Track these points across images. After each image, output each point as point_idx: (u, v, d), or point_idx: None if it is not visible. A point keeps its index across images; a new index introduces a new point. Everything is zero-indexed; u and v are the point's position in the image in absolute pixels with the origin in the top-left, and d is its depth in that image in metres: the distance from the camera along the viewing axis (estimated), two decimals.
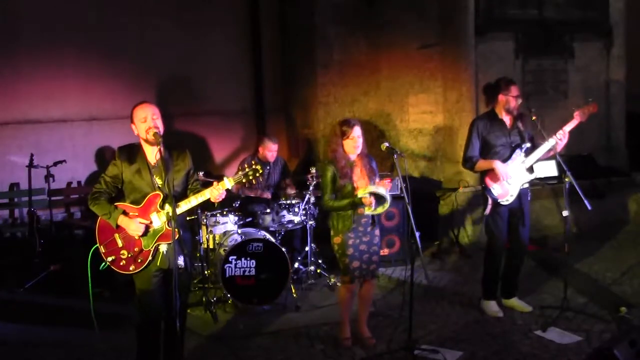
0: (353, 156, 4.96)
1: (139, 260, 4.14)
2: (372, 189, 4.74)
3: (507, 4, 8.46)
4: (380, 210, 4.84)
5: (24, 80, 8.10)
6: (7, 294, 6.36)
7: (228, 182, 4.14)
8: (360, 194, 4.76)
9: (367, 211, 4.85)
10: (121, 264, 4.16)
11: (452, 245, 7.81)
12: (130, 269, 4.15)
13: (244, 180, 4.21)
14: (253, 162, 4.25)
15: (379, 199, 4.76)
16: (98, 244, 4.20)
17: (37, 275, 6.57)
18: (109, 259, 4.16)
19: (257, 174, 4.18)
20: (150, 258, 4.15)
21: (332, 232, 5.00)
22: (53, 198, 7.64)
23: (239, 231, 6.24)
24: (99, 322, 4.42)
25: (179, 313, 4.00)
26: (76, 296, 6.03)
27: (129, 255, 4.14)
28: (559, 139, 5.36)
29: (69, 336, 5.40)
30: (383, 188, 4.75)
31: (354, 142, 4.91)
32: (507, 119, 5.54)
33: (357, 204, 4.80)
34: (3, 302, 6.16)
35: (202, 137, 9.11)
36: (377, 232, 5.07)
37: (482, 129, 5.53)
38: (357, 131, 4.92)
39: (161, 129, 4.14)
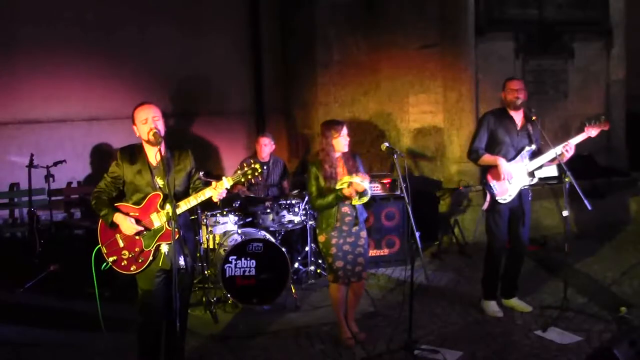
0: (337, 155, 5.04)
1: (140, 261, 4.15)
2: (348, 178, 4.85)
3: (507, 4, 8.47)
4: (364, 199, 4.93)
5: (24, 80, 8.10)
6: (7, 294, 6.35)
7: (227, 182, 4.14)
8: (338, 185, 4.88)
9: (354, 202, 4.94)
10: (122, 264, 4.17)
11: (452, 245, 7.82)
12: (132, 269, 4.16)
13: (242, 180, 4.21)
14: (252, 162, 4.24)
15: (359, 191, 4.89)
16: (100, 244, 4.21)
17: (37, 275, 6.57)
18: (111, 259, 4.18)
19: (256, 173, 4.17)
20: (151, 258, 4.15)
21: (317, 231, 5.12)
22: (53, 198, 7.64)
23: (239, 231, 6.24)
24: (99, 322, 4.42)
25: (180, 313, 4.00)
26: (76, 296, 6.03)
27: (130, 256, 4.15)
28: (565, 151, 5.37)
29: (69, 336, 5.40)
30: (360, 178, 4.84)
31: (345, 140, 5.02)
32: (517, 118, 5.53)
33: (340, 197, 4.89)
34: (3, 302, 6.16)
35: (202, 137, 9.11)
36: (362, 233, 5.12)
37: (492, 123, 5.53)
38: (345, 130, 5.05)
39: (162, 130, 4.14)
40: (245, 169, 4.16)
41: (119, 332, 5.03)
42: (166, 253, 4.17)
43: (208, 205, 4.77)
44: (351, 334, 5.14)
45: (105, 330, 4.45)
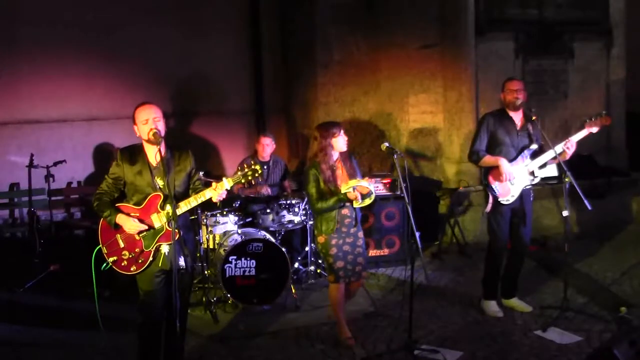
0: (335, 157, 5.03)
1: (140, 261, 4.15)
2: (354, 182, 4.85)
3: (507, 4, 8.47)
4: (367, 201, 4.94)
5: (24, 80, 8.10)
6: (7, 294, 6.35)
7: (227, 183, 4.14)
8: (344, 189, 4.86)
9: (356, 205, 4.94)
10: (123, 264, 4.17)
11: (452, 245, 7.81)
12: (132, 269, 4.16)
13: (242, 181, 4.21)
14: (252, 162, 4.24)
15: (364, 193, 4.91)
16: (100, 245, 4.21)
17: (37, 275, 6.57)
18: (111, 259, 4.18)
19: (257, 174, 4.18)
20: (151, 258, 4.15)
21: (315, 232, 5.11)
22: (53, 198, 7.64)
23: (239, 231, 6.24)
24: (98, 322, 4.43)
25: (180, 313, 4.00)
26: (76, 296, 6.03)
27: (131, 256, 4.15)
28: (567, 148, 5.37)
29: (69, 336, 5.40)
30: (365, 181, 4.87)
31: (344, 139, 5.03)
32: (516, 118, 5.53)
33: (343, 200, 4.88)
34: (3, 302, 6.16)
35: (202, 137, 9.11)
36: (360, 233, 5.14)
37: (492, 124, 5.53)
38: (342, 129, 5.08)
39: (162, 131, 4.14)
40: (246, 169, 4.16)
41: (119, 331, 5.03)
42: (166, 253, 4.17)
43: (208, 205, 4.77)
44: (351, 335, 5.13)
45: (104, 329, 4.45)
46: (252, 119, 9.49)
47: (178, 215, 4.02)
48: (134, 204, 4.19)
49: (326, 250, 5.01)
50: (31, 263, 6.74)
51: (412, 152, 8.74)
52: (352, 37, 8.86)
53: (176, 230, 3.96)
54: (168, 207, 4.09)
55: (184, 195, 4.24)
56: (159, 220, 4.15)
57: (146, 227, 4.14)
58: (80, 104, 8.40)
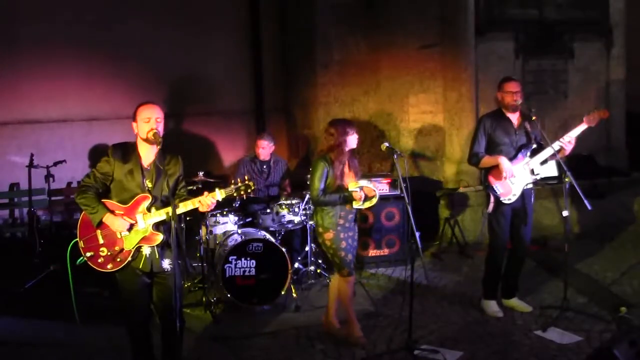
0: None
1: (118, 260, 4.10)
2: (363, 183, 4.92)
3: (507, 4, 8.47)
4: (367, 204, 5.00)
5: (24, 80, 8.11)
6: (7, 294, 6.35)
7: (219, 194, 4.12)
8: (351, 187, 4.91)
9: (355, 205, 4.98)
10: (99, 260, 4.11)
11: (452, 245, 7.81)
12: (108, 267, 4.11)
13: (234, 195, 4.21)
14: (246, 178, 4.23)
15: (367, 196, 5.00)
16: (78, 238, 4.15)
17: (37, 275, 6.56)
18: (87, 254, 4.12)
19: (249, 190, 4.18)
20: (129, 258, 4.10)
21: (320, 230, 5.09)
22: (53, 198, 7.64)
23: (239, 231, 6.24)
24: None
25: (169, 314, 4.00)
26: (76, 296, 6.02)
27: (108, 254, 4.10)
28: (565, 144, 5.37)
29: (68, 335, 5.40)
30: (373, 185, 4.98)
31: (356, 138, 5.10)
32: (513, 118, 5.54)
33: (348, 198, 4.92)
34: (3, 301, 6.16)
35: (202, 137, 9.12)
36: (356, 228, 5.19)
37: (489, 126, 5.54)
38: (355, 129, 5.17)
39: (161, 133, 4.11)
40: (239, 184, 4.17)
41: (118, 330, 5.02)
42: (147, 255, 4.14)
43: None
44: (362, 333, 5.13)
45: (80, 322, 4.41)
46: (252, 119, 9.50)
47: (163, 221, 4.07)
48: (119, 202, 4.13)
49: (337, 245, 5.01)
50: (31, 263, 6.74)
51: (412, 152, 8.75)
52: (352, 37, 8.87)
53: (161, 233, 4.03)
54: (154, 210, 4.08)
55: (169, 200, 4.20)
56: (143, 221, 4.12)
57: (134, 223, 4.09)
58: (80, 104, 8.41)
